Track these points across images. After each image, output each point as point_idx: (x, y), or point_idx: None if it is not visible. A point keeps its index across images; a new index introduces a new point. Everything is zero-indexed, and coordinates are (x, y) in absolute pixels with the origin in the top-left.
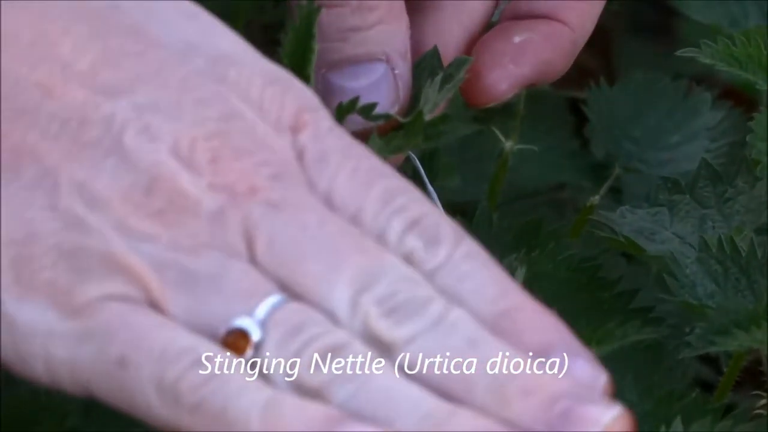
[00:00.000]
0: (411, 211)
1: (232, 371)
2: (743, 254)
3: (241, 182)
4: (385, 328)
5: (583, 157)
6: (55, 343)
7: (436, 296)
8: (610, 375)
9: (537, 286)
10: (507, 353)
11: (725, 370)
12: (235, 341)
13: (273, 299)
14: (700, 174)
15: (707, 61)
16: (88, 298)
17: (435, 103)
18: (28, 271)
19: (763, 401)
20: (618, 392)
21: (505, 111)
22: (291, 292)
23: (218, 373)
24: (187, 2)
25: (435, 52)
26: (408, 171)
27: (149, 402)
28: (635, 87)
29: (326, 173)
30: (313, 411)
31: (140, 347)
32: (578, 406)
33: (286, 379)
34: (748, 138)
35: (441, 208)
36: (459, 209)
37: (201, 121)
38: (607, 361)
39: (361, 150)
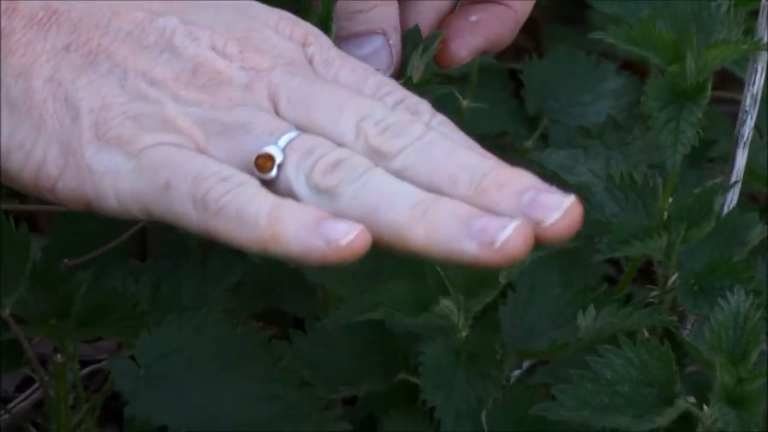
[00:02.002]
0: (398, 93)
1: (250, 187)
2: (639, 184)
3: (264, 63)
4: (381, 141)
5: (520, 112)
6: (121, 179)
7: (420, 122)
8: (542, 273)
9: None
10: (481, 157)
11: (626, 269)
12: (263, 163)
13: (292, 133)
14: (607, 124)
15: (612, 41)
16: (146, 144)
17: (417, 67)
18: (103, 130)
19: (654, 293)
20: (546, 286)
21: (462, 78)
22: (307, 131)
23: (237, 187)
24: None
25: (416, 29)
26: None
27: (187, 213)
28: (558, 60)
29: (331, 70)
30: (307, 211)
31: (179, 173)
32: (543, 195)
33: (304, 185)
34: (642, 98)
35: None
36: None
37: (231, 30)
38: (539, 263)
39: (356, 60)
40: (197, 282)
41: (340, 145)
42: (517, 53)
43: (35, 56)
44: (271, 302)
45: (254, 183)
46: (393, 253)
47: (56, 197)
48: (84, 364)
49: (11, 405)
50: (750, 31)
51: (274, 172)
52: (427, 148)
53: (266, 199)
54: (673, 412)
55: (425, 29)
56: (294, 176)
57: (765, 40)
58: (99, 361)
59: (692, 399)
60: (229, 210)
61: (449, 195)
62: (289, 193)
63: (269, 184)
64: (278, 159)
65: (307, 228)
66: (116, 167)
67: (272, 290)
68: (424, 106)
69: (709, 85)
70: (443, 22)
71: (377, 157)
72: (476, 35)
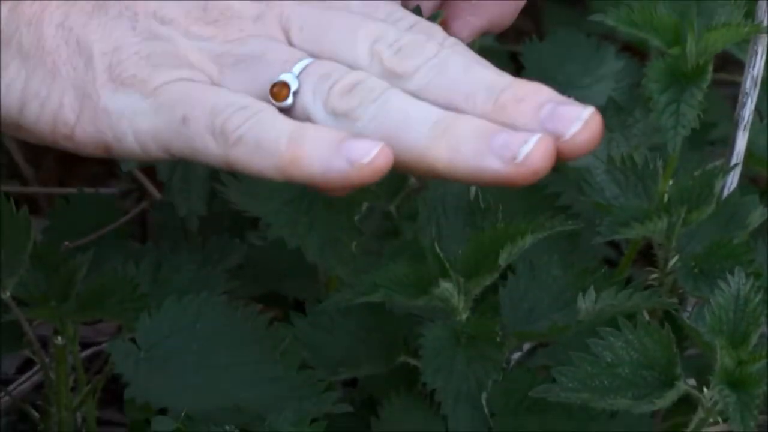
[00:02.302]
0: (409, 18)
1: (268, 114)
2: (639, 167)
3: None
4: (396, 62)
5: None
6: (138, 119)
7: (434, 42)
8: (542, 256)
9: (487, 189)
10: (498, 73)
11: (625, 252)
12: (279, 91)
13: (306, 60)
14: (608, 107)
15: (612, 23)
16: (161, 81)
17: None
18: (117, 72)
19: (654, 275)
20: (546, 268)
21: None
22: (320, 58)
23: (255, 115)
24: None
25: (418, 8)
26: None
27: (207, 146)
28: (558, 42)
29: (343, 2)
30: (327, 133)
31: (196, 107)
32: (562, 107)
33: (321, 109)
34: (642, 81)
35: None
36: None
37: None
38: (539, 245)
39: None
40: (197, 264)
41: (355, 69)
42: (517, 35)
43: (45, 4)
44: (272, 285)
45: (272, 110)
46: (414, 174)
47: (75, 144)
48: (84, 346)
49: (11, 387)
50: (750, 14)
51: (290, 100)
52: (443, 67)
53: (285, 123)
54: (674, 395)
55: (427, 9)
56: (311, 102)
57: (765, 23)
58: (99, 343)
59: (692, 381)
60: (249, 138)
61: (467, 113)
62: (306, 120)
63: (286, 113)
64: (293, 86)
65: (328, 149)
66: (133, 107)
67: (273, 272)
68: (436, 28)
69: (710, 68)
70: (444, 2)
71: (393, 78)
72: (477, 15)
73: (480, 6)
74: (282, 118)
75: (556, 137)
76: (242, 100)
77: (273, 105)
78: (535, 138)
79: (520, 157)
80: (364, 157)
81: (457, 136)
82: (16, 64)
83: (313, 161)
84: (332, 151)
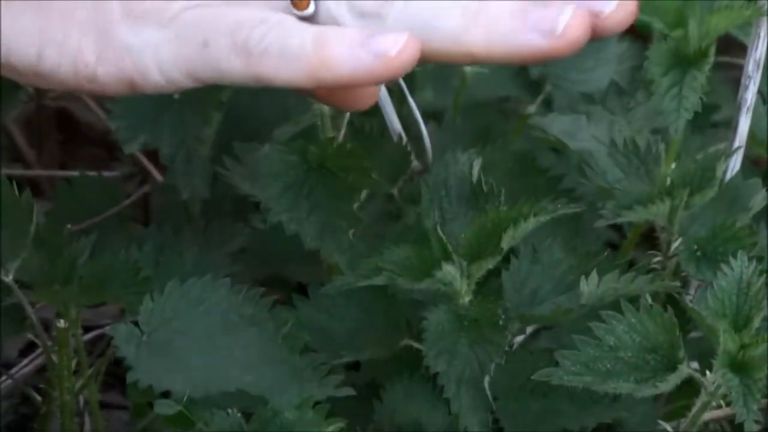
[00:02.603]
0: None
1: (289, 23)
2: (642, 150)
3: None
4: None
5: (523, 77)
6: (160, 49)
7: None
8: (545, 239)
9: (490, 172)
10: None
11: (628, 235)
12: (299, 1)
13: None
14: (610, 90)
15: None
16: (177, 9)
17: None
18: (130, 6)
19: (657, 258)
20: (549, 252)
21: None
22: None
23: (275, 26)
24: None
25: None
26: (394, 87)
27: (232, 65)
28: None
29: None
30: (351, 32)
31: (216, 28)
32: None
33: (347, 13)
34: (645, 64)
35: (419, 114)
36: (432, 115)
37: None
38: (542, 228)
39: None
40: (200, 248)
41: None
42: None
43: None
44: (275, 268)
45: (292, 19)
46: (449, 62)
47: (99, 85)
48: (87, 329)
49: (14, 370)
50: None
51: (311, 8)
52: None
53: (308, 29)
54: (676, 378)
55: None
56: (335, 7)
57: (767, 6)
58: (102, 326)
59: (695, 365)
60: (273, 49)
61: None
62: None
63: (309, 21)
64: None
65: (354, 46)
66: (152, 40)
67: (276, 256)
68: None
69: (713, 51)
70: None
71: None
72: None
73: None
74: (304, 25)
75: (593, 15)
76: (260, 14)
77: (295, 14)
78: (570, 8)
79: (560, 29)
80: (391, 49)
81: (491, 16)
82: (31, 12)
83: (340, 61)
84: (358, 48)
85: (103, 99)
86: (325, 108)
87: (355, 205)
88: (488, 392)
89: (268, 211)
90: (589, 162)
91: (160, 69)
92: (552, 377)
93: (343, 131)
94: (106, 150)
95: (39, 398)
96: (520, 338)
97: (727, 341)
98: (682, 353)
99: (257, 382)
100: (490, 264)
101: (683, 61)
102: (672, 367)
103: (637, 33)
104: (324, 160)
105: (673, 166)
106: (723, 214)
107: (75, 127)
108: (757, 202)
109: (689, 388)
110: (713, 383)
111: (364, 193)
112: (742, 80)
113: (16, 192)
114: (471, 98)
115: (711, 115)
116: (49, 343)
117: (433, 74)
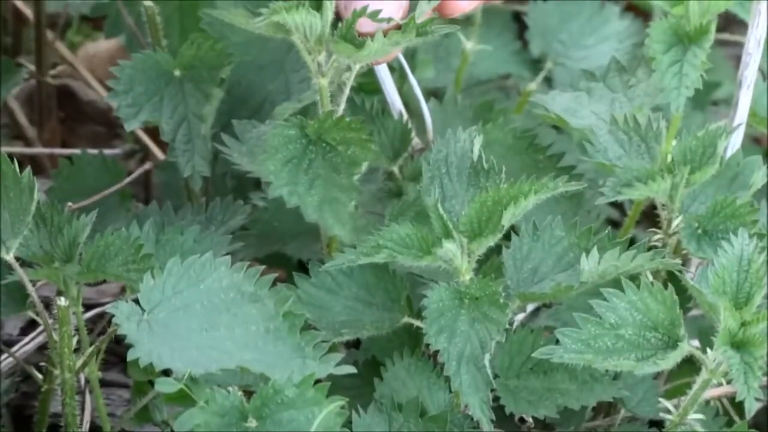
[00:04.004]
0: None
1: None
2: (643, 127)
3: None
4: None
5: (524, 54)
6: None
7: None
8: (546, 217)
9: (491, 150)
10: None
11: (629, 212)
12: None
13: None
14: (611, 67)
15: None
16: None
17: (425, 11)
18: None
19: (658, 236)
20: (549, 229)
21: (466, 20)
22: None
23: None
24: None
25: None
26: (395, 65)
27: None
28: (562, 2)
29: None
30: None
31: None
32: None
33: None
34: (645, 41)
35: (420, 92)
36: (432, 93)
37: None
38: (543, 206)
39: None
40: (201, 225)
41: None
42: None
43: None
44: (275, 246)
45: None
46: None
47: None
48: (87, 307)
49: (15, 348)
50: None
51: None
52: None
53: None
54: (677, 356)
55: None
56: None
57: None
58: (103, 304)
59: (696, 343)
60: None
61: None
62: None
63: None
64: None
65: None
66: None
67: (276, 234)
68: None
69: (713, 28)
70: None
71: None
72: None
73: None
74: None
75: None
76: None
77: None
78: None
79: None
80: None
81: None
82: None
83: None
84: None
85: (104, 77)
86: (324, 82)
87: (355, 178)
88: (489, 370)
89: (269, 186)
90: (590, 139)
91: None
92: (553, 355)
93: (342, 106)
94: (107, 128)
95: (40, 376)
96: (520, 316)
97: (727, 319)
98: (682, 331)
99: (258, 360)
100: (490, 242)
101: (684, 39)
102: (673, 345)
103: (638, 10)
104: (323, 133)
105: (674, 143)
106: (724, 191)
107: (76, 104)
108: (758, 180)
109: (690, 366)
110: (714, 361)
111: (364, 166)
112: (743, 57)
113: (17, 169)
114: (472, 76)
115: (712, 93)
116: (50, 321)
117: (434, 51)
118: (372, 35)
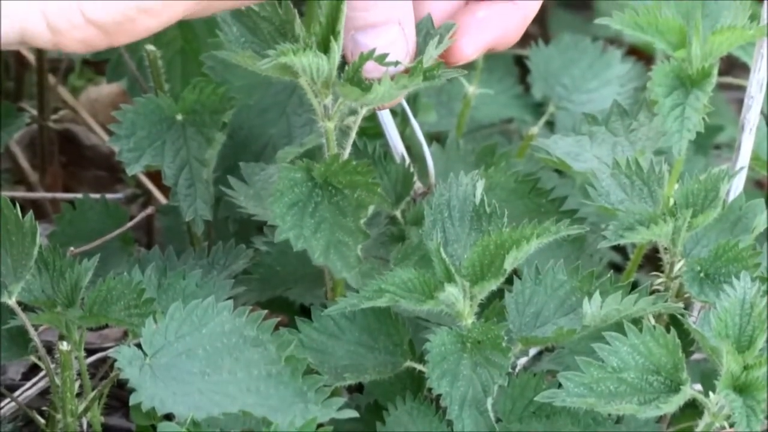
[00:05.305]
0: None
1: None
2: (645, 171)
3: None
4: None
5: (526, 98)
6: None
7: None
8: (548, 260)
9: (493, 193)
10: None
11: (631, 256)
12: None
13: None
14: (613, 111)
15: (618, 26)
16: None
17: (432, 57)
18: None
19: (660, 280)
20: (552, 273)
21: (468, 64)
22: None
23: None
24: None
25: (429, 18)
26: (398, 109)
27: None
28: (564, 46)
29: None
30: None
31: None
32: None
33: None
34: (647, 84)
35: (422, 136)
36: (435, 137)
37: None
38: (545, 250)
39: None
40: (203, 269)
41: None
42: (523, 39)
43: None
44: (278, 290)
45: None
46: None
47: None
48: (90, 352)
49: (17, 393)
50: (756, 17)
51: None
52: None
53: None
54: (680, 399)
55: (437, 20)
56: None
57: None
58: (105, 349)
59: (698, 386)
60: None
61: None
62: None
63: None
64: None
65: None
66: None
67: (279, 278)
68: None
69: (715, 71)
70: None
71: None
72: (483, 32)
73: (486, 23)
74: None
75: None
76: None
77: None
78: None
79: None
80: None
81: None
82: None
83: None
84: None
85: (106, 121)
86: (331, 125)
87: (362, 221)
88: (491, 414)
89: (275, 230)
90: (592, 183)
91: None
92: (555, 399)
93: (347, 150)
94: (109, 172)
95: (42, 421)
96: (523, 360)
97: (730, 362)
98: (685, 374)
99: (260, 404)
100: (493, 285)
101: (686, 82)
102: (675, 389)
103: (640, 54)
104: (329, 176)
105: (676, 187)
106: (726, 235)
107: (78, 149)
108: (761, 223)
109: (692, 409)
110: (716, 404)
111: (371, 209)
112: (745, 101)
113: (20, 214)
114: (474, 120)
115: (714, 136)
116: (53, 366)
117: (436, 96)
118: (378, 79)
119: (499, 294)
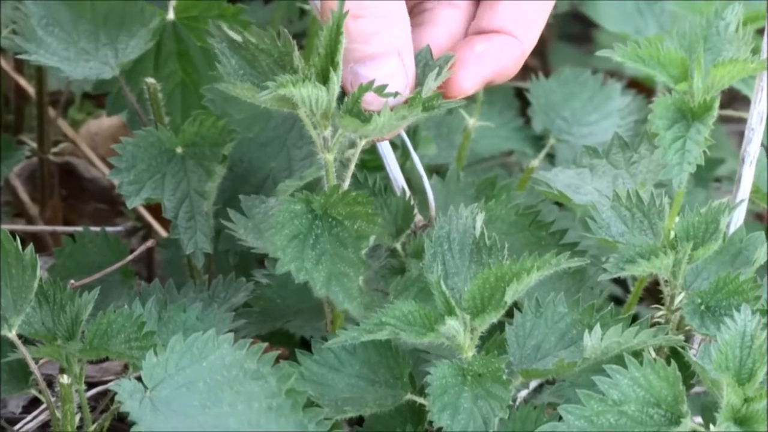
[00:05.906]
0: None
1: None
2: (645, 203)
3: None
4: None
5: (526, 131)
6: None
7: None
8: (548, 293)
9: (493, 226)
10: None
11: (632, 289)
12: None
13: None
14: (613, 143)
15: (618, 59)
16: None
17: (432, 88)
18: None
19: (661, 312)
20: (552, 306)
21: (468, 96)
22: None
23: None
24: None
25: (428, 49)
26: (398, 142)
27: None
28: (565, 79)
29: None
30: None
31: None
32: None
33: None
34: (648, 117)
35: (422, 169)
36: (435, 170)
37: None
38: (545, 282)
39: None
40: (203, 302)
41: None
42: (523, 72)
43: None
44: (278, 323)
45: None
46: None
47: None
48: (90, 385)
49: (18, 426)
50: (757, 50)
51: None
52: None
53: None
54: None
55: (436, 52)
56: None
57: None
58: (105, 382)
59: (699, 419)
60: None
61: None
62: None
63: None
64: None
65: None
66: None
67: (279, 311)
68: None
69: (717, 104)
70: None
71: None
72: (482, 67)
73: (484, 56)
74: None
75: None
76: None
77: None
78: None
79: None
80: None
81: None
82: None
83: None
84: None
85: (106, 154)
86: (330, 157)
87: (363, 252)
88: None
89: (276, 262)
90: (593, 215)
91: None
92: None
93: (347, 182)
94: (109, 205)
95: None
96: (523, 392)
97: (730, 395)
98: (685, 407)
99: None
100: (493, 318)
101: (687, 115)
102: (676, 421)
103: (641, 87)
104: (329, 207)
105: (677, 219)
106: (726, 267)
107: (78, 182)
108: (761, 256)
109: None
110: None
111: (371, 240)
112: (746, 133)
113: (20, 247)
114: (474, 152)
115: (714, 169)
116: (53, 399)
117: (436, 128)
118: (378, 111)
119: (499, 327)
